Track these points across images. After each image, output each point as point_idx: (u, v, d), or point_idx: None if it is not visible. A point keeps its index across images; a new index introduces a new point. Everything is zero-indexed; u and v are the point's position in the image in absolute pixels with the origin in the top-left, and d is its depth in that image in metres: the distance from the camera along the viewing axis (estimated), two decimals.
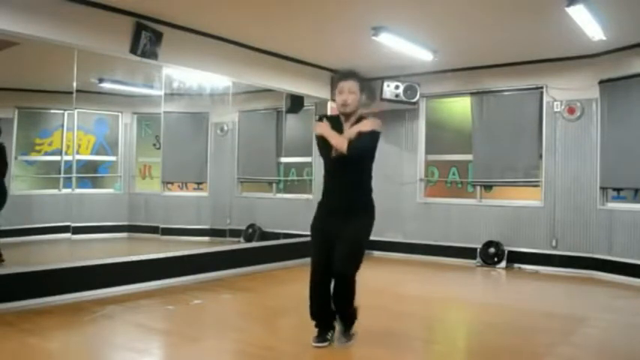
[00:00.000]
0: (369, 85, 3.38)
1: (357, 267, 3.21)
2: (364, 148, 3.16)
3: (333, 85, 3.34)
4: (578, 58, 6.07)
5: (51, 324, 3.76)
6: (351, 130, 3.17)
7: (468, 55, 6.33)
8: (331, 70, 6.85)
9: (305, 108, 7.11)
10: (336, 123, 3.25)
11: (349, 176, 3.22)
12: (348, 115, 3.24)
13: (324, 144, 3.20)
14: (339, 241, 3.17)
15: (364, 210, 3.27)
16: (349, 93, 3.19)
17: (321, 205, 3.36)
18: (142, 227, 7.52)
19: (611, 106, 5.90)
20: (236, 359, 3.35)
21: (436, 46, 5.75)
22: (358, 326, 3.39)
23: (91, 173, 7.66)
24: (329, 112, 6.87)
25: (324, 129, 3.19)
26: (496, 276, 6.25)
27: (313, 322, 3.36)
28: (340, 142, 3.11)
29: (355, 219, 3.21)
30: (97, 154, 7.66)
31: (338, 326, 3.36)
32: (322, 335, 3.32)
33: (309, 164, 7.46)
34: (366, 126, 3.15)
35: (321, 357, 3.21)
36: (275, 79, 6.26)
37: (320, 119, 3.31)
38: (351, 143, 3.10)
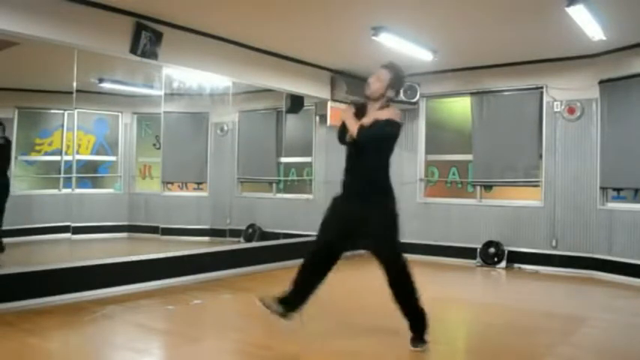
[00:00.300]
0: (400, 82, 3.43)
1: (399, 250, 3.26)
2: (373, 135, 3.20)
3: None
4: (578, 58, 6.07)
5: (51, 324, 3.76)
6: (369, 117, 3.25)
7: (468, 55, 6.33)
8: (331, 70, 6.83)
9: (305, 108, 7.10)
10: (362, 109, 3.34)
11: (363, 163, 3.28)
12: (373, 101, 3.32)
13: (343, 129, 3.33)
14: (368, 235, 3.24)
15: (381, 193, 3.30)
16: (376, 79, 3.30)
17: (341, 192, 3.39)
18: (142, 227, 7.51)
19: (611, 106, 5.90)
20: (236, 359, 3.35)
21: (436, 46, 5.75)
22: (359, 325, 3.39)
23: (91, 173, 7.66)
24: (329, 113, 6.91)
25: (346, 114, 3.32)
26: (496, 276, 6.25)
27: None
28: (353, 127, 3.22)
29: (374, 206, 3.25)
30: (97, 154, 7.65)
31: (410, 331, 3.31)
32: (278, 306, 3.30)
33: (309, 164, 7.46)
34: (383, 114, 3.23)
35: (321, 357, 3.21)
36: (275, 79, 6.26)
37: (349, 104, 3.49)
38: (362, 129, 3.17)
